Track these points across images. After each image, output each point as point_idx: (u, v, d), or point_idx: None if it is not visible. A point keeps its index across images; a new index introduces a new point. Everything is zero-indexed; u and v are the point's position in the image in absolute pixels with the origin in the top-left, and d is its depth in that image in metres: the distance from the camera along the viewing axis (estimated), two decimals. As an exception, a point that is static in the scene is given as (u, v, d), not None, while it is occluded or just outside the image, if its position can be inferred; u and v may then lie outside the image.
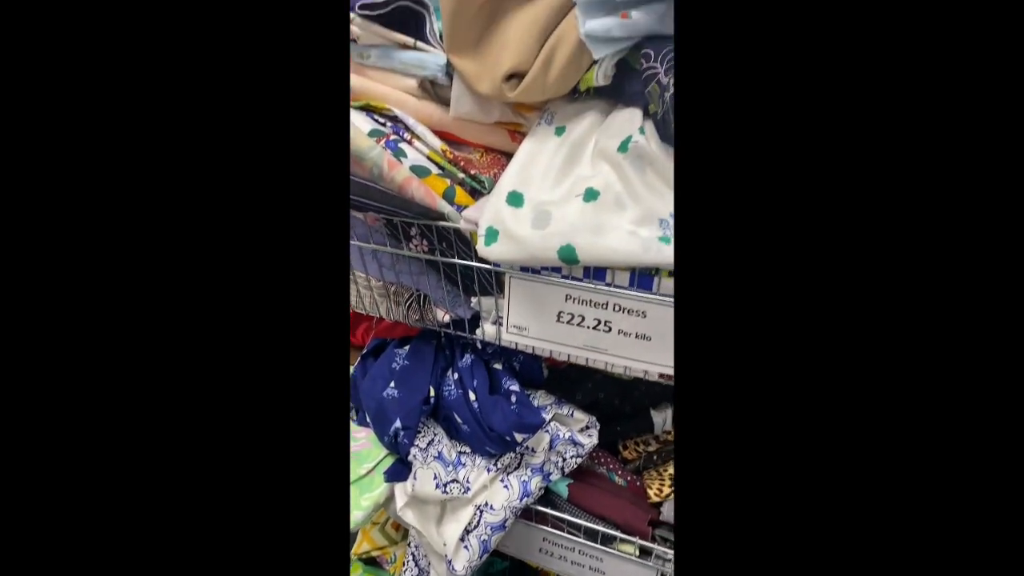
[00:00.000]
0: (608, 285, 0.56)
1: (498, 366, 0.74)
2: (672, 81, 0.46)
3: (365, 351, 0.83)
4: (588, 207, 0.51)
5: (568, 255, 0.49)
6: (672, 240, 0.47)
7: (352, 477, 0.71)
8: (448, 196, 0.60)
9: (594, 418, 0.72)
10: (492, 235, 0.53)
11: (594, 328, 0.59)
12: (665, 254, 0.47)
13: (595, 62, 0.54)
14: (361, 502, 0.69)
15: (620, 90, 0.55)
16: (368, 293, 0.73)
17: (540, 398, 0.73)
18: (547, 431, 0.70)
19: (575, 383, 0.76)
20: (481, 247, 0.53)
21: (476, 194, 0.62)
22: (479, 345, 0.74)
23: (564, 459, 0.71)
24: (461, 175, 0.61)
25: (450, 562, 0.67)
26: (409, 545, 0.76)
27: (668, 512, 0.70)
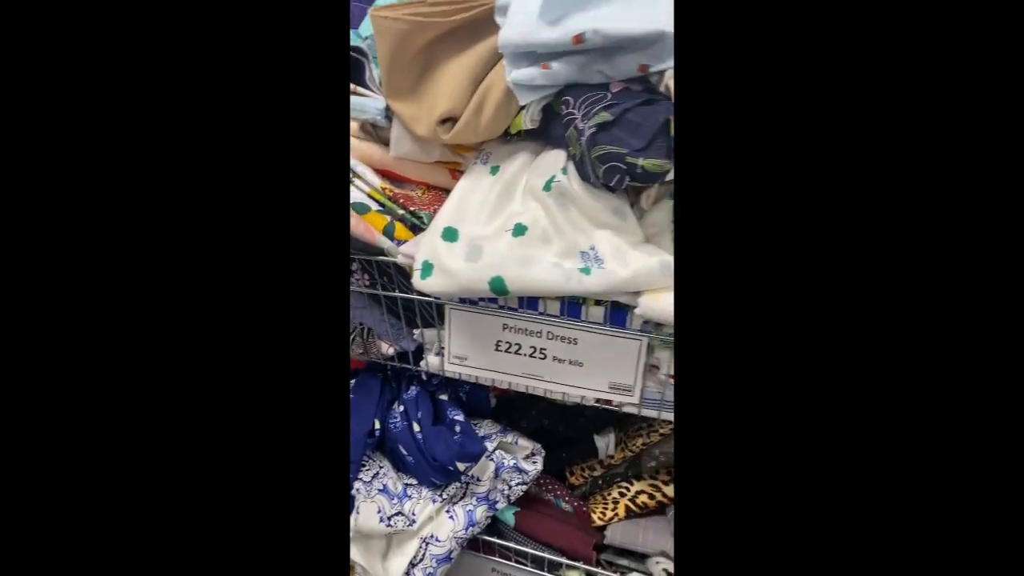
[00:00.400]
0: (541, 314, 0.59)
1: (444, 397, 0.75)
2: (588, 126, 0.50)
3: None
4: (516, 241, 0.54)
5: (498, 286, 0.52)
6: (591, 271, 0.51)
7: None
8: (388, 232, 0.62)
9: (539, 445, 0.74)
10: (427, 269, 0.55)
11: (531, 356, 0.62)
12: (584, 284, 0.50)
13: (523, 107, 0.58)
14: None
15: (547, 133, 0.59)
16: (313, 327, 0.73)
17: (485, 427, 0.75)
18: (492, 459, 0.71)
19: (520, 411, 0.78)
20: (417, 280, 0.55)
21: (416, 229, 0.64)
22: (424, 376, 0.75)
23: (510, 487, 0.72)
24: (401, 211, 0.64)
25: (395, 598, 0.67)
26: (355, 583, 0.75)
27: (612, 535, 0.71)
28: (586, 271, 0.51)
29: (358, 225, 0.60)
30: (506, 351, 0.62)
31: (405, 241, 0.62)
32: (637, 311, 0.50)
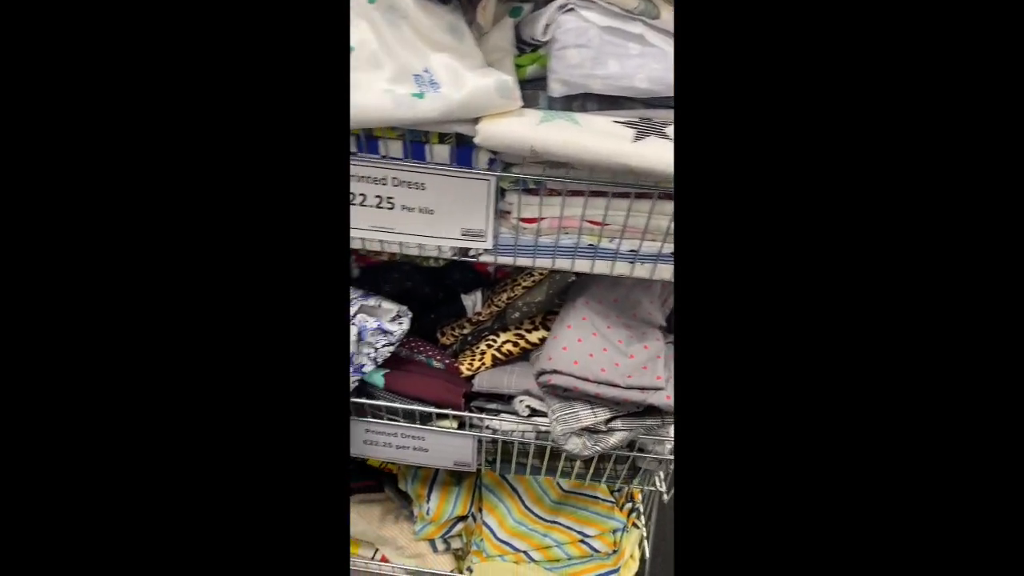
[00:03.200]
0: (383, 158, 0.54)
1: (296, 265, 0.70)
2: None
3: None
4: (340, 64, 0.47)
5: (320, 116, 0.46)
6: (425, 95, 0.46)
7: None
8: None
9: (405, 307, 0.73)
10: (234, 99, 0.47)
11: (377, 207, 0.57)
12: (417, 109, 0.46)
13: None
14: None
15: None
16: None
17: (345, 293, 0.71)
18: (354, 323, 0.69)
19: (383, 276, 0.75)
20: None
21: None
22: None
23: (376, 349, 0.71)
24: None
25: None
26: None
27: (479, 383, 0.74)
28: (419, 96, 0.46)
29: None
30: (351, 203, 0.57)
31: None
32: (476, 139, 0.47)
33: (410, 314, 0.73)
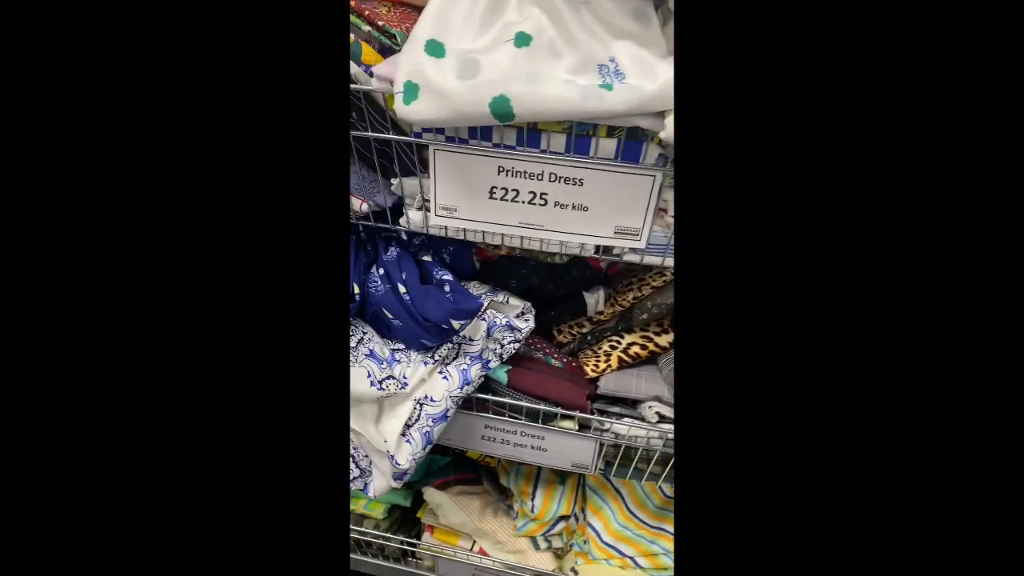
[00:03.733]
0: (543, 152, 0.52)
1: (427, 258, 0.69)
2: None
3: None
4: (521, 53, 0.45)
5: (502, 108, 0.44)
6: (613, 87, 0.43)
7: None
8: (353, 54, 0.51)
9: (529, 304, 0.71)
10: (412, 91, 0.45)
11: (529, 203, 0.55)
12: (607, 102, 0.43)
13: None
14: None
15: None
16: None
17: (474, 288, 0.70)
18: (483, 319, 0.67)
19: (508, 271, 0.74)
20: (399, 105, 0.46)
21: (387, 52, 0.53)
22: (404, 236, 0.68)
23: (502, 345, 0.69)
24: (367, 27, 0.52)
25: (393, 457, 0.66)
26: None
27: (605, 385, 0.72)
28: (607, 87, 0.43)
29: (316, 41, 0.48)
30: (501, 199, 0.56)
31: (373, 67, 0.51)
32: (663, 134, 0.44)
33: (533, 311, 0.71)
